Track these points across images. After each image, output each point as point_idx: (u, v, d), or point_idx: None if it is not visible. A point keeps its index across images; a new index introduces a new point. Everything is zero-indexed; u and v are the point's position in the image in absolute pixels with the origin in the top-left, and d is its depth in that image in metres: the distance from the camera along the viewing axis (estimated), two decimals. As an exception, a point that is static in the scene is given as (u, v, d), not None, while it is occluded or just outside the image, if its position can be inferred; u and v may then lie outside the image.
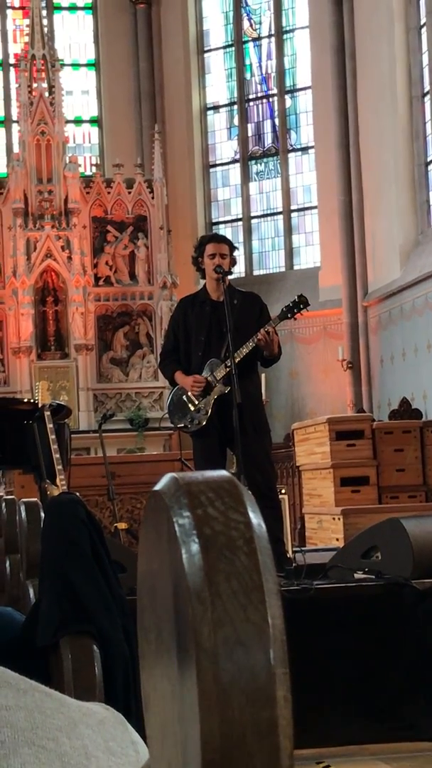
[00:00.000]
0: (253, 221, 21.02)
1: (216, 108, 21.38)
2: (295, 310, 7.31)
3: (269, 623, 0.49)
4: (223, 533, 0.51)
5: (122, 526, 8.91)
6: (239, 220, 21.05)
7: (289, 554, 7.15)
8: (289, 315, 7.32)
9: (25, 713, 0.74)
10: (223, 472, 0.54)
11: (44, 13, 20.10)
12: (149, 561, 0.57)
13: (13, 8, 21.56)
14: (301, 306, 7.33)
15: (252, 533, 0.51)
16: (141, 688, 0.61)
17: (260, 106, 21.14)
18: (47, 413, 7.83)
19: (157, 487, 0.55)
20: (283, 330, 9.64)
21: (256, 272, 20.69)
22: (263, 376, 9.22)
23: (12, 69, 21.04)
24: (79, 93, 21.48)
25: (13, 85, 20.61)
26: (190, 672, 0.50)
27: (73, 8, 21.79)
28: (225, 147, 21.33)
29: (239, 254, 18.25)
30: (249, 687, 0.49)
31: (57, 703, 0.77)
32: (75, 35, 21.69)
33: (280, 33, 20.76)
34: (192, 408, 7.09)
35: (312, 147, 20.24)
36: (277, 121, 20.85)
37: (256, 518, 0.52)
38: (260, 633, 0.49)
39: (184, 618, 0.50)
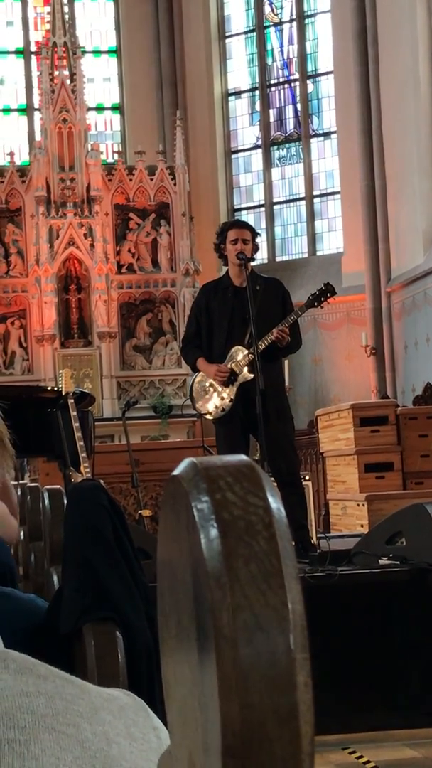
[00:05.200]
0: (276, 207, 20.99)
1: (238, 94, 21.34)
2: (322, 299, 7.31)
3: (289, 608, 0.49)
4: (242, 518, 0.51)
5: (146, 513, 8.93)
6: (261, 206, 21.02)
7: (314, 540, 7.16)
8: (315, 303, 7.32)
9: (45, 699, 0.74)
10: (242, 457, 0.54)
11: (65, 0, 20.09)
12: (168, 546, 0.56)
13: (34, -4, 21.57)
14: (328, 294, 7.32)
15: (271, 517, 0.51)
16: (162, 674, 0.61)
17: (282, 91, 21.09)
18: (71, 401, 7.86)
19: (176, 472, 0.55)
20: (306, 316, 9.63)
21: (278, 258, 20.66)
22: (286, 362, 9.22)
23: (33, 57, 21.04)
24: (101, 80, 21.47)
25: (35, 73, 20.62)
26: (210, 657, 0.49)
27: (94, -5, 21.78)
28: (247, 133, 21.30)
29: (262, 240, 18.20)
30: (269, 672, 0.49)
31: (78, 689, 0.77)
32: (96, 22, 21.68)
33: (301, 18, 20.70)
34: (215, 394, 7.09)
35: (334, 132, 20.18)
36: (299, 106, 20.80)
37: (275, 502, 0.51)
38: (280, 618, 0.49)
39: (203, 603, 0.50)
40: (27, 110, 21.27)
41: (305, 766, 0.48)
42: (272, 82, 21.14)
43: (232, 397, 7.03)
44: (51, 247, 18.04)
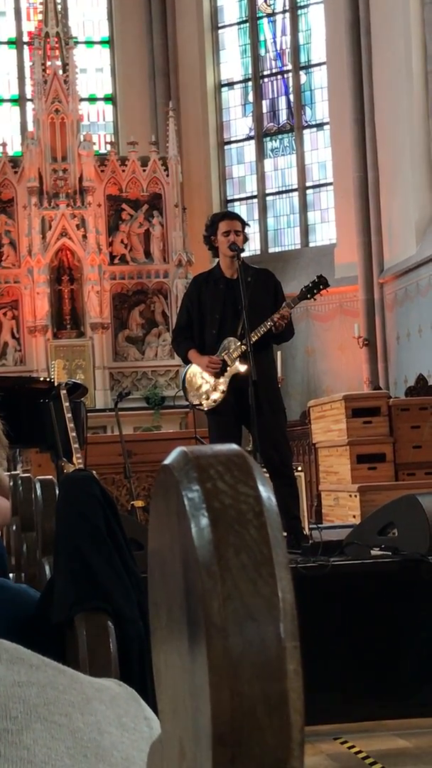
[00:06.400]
0: (268, 198, 20.97)
1: (230, 85, 21.31)
2: (315, 291, 7.31)
3: (279, 597, 0.49)
4: (233, 507, 0.51)
5: (139, 503, 8.93)
6: (254, 197, 21.00)
7: (306, 531, 7.17)
8: (308, 296, 7.32)
9: (37, 689, 0.74)
10: (233, 446, 0.54)
11: (58, -10, 20.05)
12: (159, 535, 0.57)
13: (27, -14, 21.51)
14: (321, 286, 7.32)
15: (261, 506, 0.51)
16: (153, 663, 0.61)
17: (275, 82, 21.06)
18: (63, 392, 7.85)
19: (167, 461, 0.55)
20: (299, 308, 9.63)
21: (271, 249, 20.65)
22: (279, 353, 9.22)
23: (26, 47, 20.99)
24: (93, 71, 21.42)
25: (27, 64, 20.57)
26: (200, 646, 0.49)
27: (86, -15, 21.73)
28: (240, 124, 21.27)
29: (254, 232, 18.14)
30: (259, 661, 0.49)
31: (69, 679, 0.77)
32: (89, 12, 21.63)
33: (294, 8, 20.66)
34: (208, 385, 7.09)
35: (327, 123, 20.16)
36: (291, 97, 20.77)
37: (265, 491, 0.51)
38: (270, 606, 0.49)
39: (193, 592, 0.50)
40: (19, 101, 21.22)
41: (295, 754, 0.48)
42: (265, 73, 21.11)
43: (225, 388, 7.03)
44: (43, 238, 18.01)
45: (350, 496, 9.28)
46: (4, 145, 18.80)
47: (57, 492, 2.27)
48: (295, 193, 20.70)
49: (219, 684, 0.48)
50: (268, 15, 21.09)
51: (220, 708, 0.48)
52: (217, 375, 7.03)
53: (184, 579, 0.52)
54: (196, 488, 0.51)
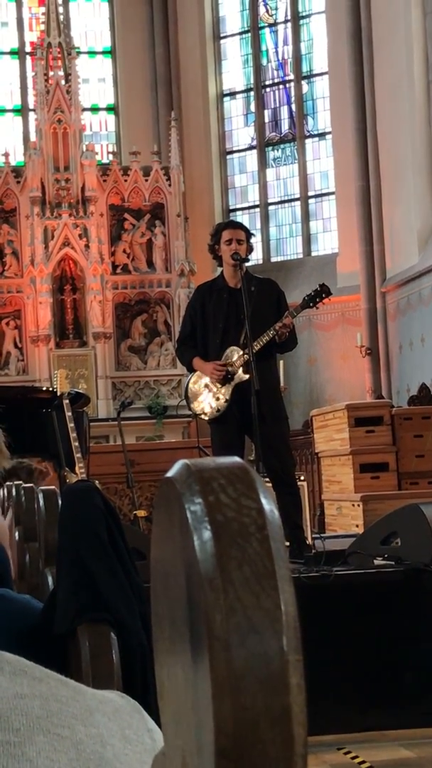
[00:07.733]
0: (271, 208, 20.99)
1: (232, 94, 21.34)
2: (317, 299, 7.31)
3: (282, 610, 0.49)
4: (235, 520, 0.51)
5: (141, 513, 8.93)
6: (256, 206, 21.02)
7: (309, 541, 7.16)
8: (311, 304, 7.32)
9: (40, 701, 0.74)
10: (236, 458, 0.54)
11: (60, 0, 20.08)
12: (162, 548, 0.57)
13: (29, -4, 21.56)
14: (323, 295, 7.33)
15: (264, 519, 0.51)
16: (155, 675, 0.61)
17: (277, 92, 21.10)
18: (66, 401, 7.86)
19: (169, 473, 0.55)
20: (301, 317, 9.64)
21: (273, 259, 20.67)
22: (281, 362, 9.23)
23: (28, 57, 21.04)
24: (96, 81, 21.46)
25: (30, 74, 20.62)
26: (203, 659, 0.49)
27: (88, -4, 21.77)
28: (242, 133, 21.30)
29: (257, 241, 18.16)
30: (262, 674, 0.49)
31: (72, 691, 0.77)
32: (91, 23, 21.68)
33: (296, 18, 20.70)
34: (210, 395, 7.09)
35: (329, 133, 20.19)
36: (293, 107, 20.80)
37: (268, 504, 0.51)
38: (273, 620, 0.49)
39: (196, 605, 0.50)
40: (22, 111, 21.26)
41: (298, 766, 0.48)
42: (267, 82, 21.14)
43: (227, 398, 7.02)
44: (46, 248, 18.03)
45: (353, 505, 9.27)
46: (6, 155, 18.83)
47: (59, 502, 2.27)
48: (297, 203, 20.72)
49: (221, 697, 0.48)
50: (270, 25, 21.14)
51: (223, 721, 0.48)
52: (221, 383, 7.03)
53: (186, 591, 0.52)
54: (198, 501, 0.51)
